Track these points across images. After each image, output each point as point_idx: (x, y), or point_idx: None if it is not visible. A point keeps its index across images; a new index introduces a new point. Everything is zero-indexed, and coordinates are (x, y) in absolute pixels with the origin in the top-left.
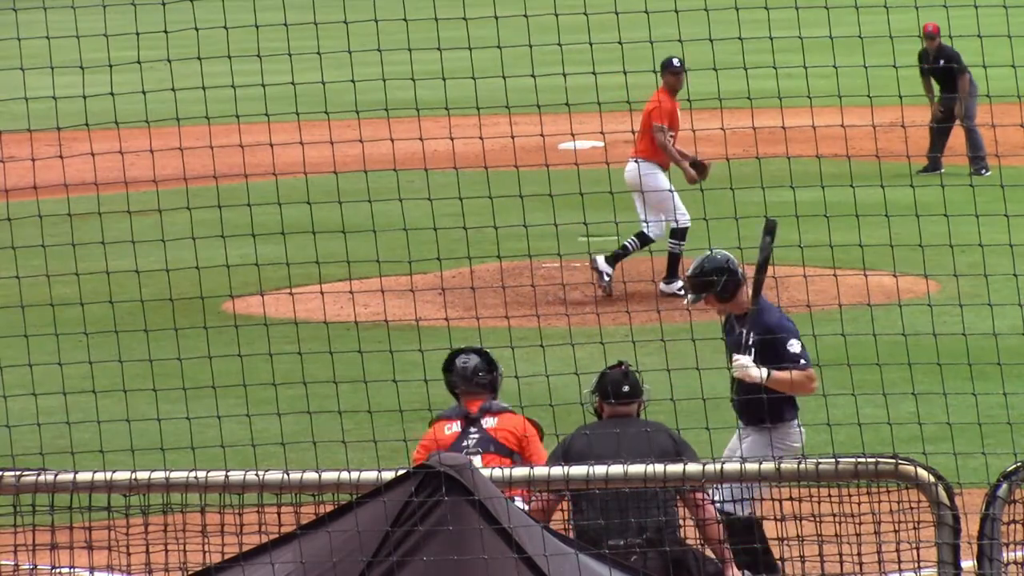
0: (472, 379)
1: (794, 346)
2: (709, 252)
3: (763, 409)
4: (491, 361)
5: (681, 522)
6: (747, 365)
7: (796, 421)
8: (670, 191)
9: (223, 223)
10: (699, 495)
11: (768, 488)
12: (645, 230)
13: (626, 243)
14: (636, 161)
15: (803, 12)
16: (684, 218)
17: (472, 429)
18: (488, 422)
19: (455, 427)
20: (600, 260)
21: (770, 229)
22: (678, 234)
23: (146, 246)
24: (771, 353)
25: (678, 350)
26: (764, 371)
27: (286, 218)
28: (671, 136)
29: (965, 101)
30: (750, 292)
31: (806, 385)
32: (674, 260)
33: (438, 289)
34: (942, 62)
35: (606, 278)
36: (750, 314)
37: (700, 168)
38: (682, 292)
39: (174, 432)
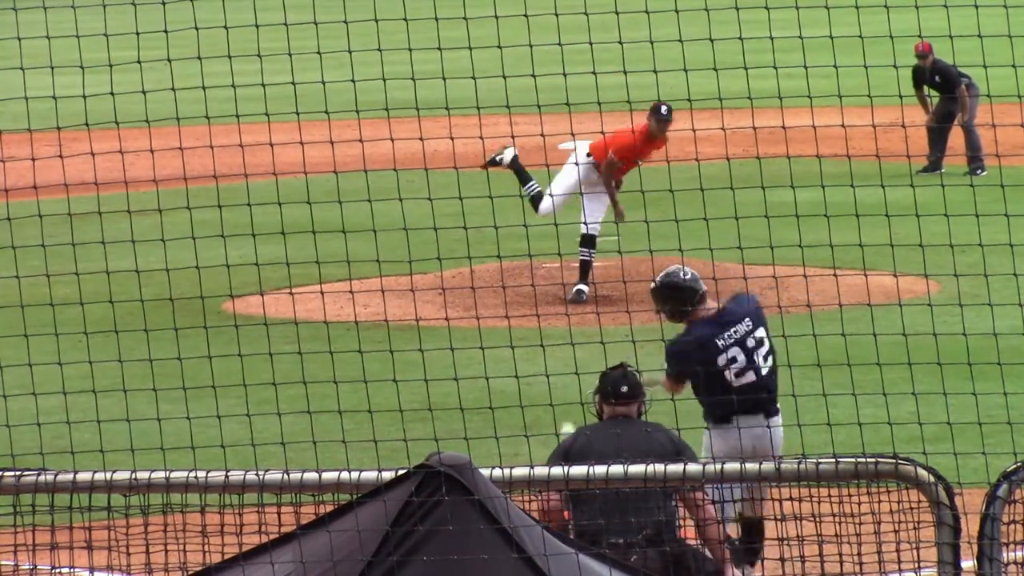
0: None
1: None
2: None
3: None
4: None
5: (680, 522)
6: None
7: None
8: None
9: (223, 223)
10: (698, 495)
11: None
12: (585, 230)
13: (582, 257)
14: (590, 159)
15: (803, 12)
16: (595, 226)
17: None
18: None
19: None
20: (573, 291)
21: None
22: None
23: (146, 246)
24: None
25: None
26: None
27: (286, 218)
28: (619, 167)
29: (967, 106)
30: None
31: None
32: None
33: (438, 289)
34: (937, 78)
35: (584, 296)
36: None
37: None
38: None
39: (174, 432)
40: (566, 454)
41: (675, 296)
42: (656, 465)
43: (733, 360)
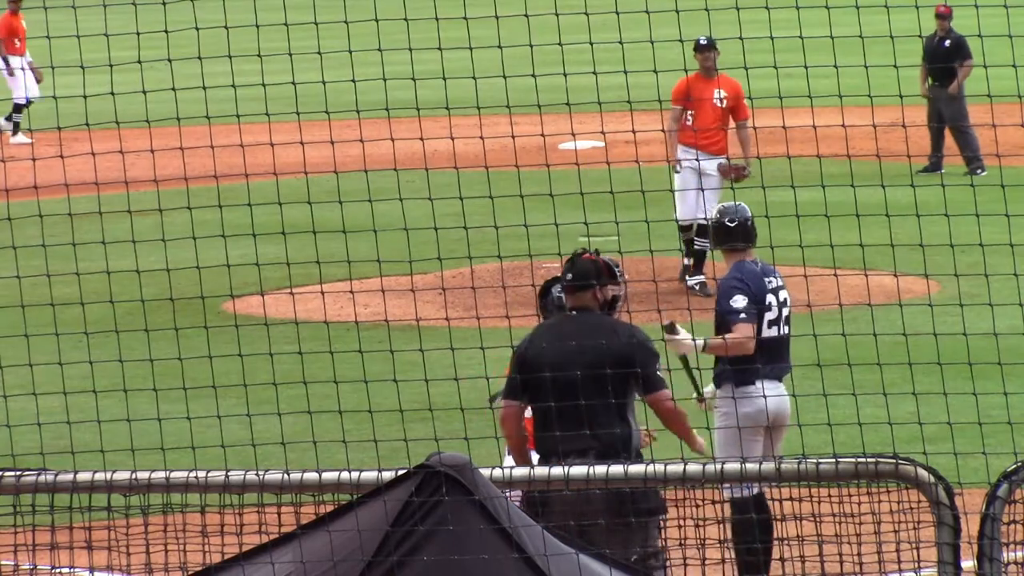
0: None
1: (737, 301)
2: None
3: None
4: None
5: (644, 437)
6: (678, 339)
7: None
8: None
9: (223, 223)
10: (661, 392)
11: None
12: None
13: (696, 246)
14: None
15: (803, 12)
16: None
17: None
18: None
19: None
20: (689, 281)
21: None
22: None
23: (146, 246)
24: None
25: None
26: (700, 341)
27: (286, 218)
28: (689, 115)
29: (964, 76)
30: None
31: (744, 346)
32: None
33: (438, 289)
34: (947, 43)
35: (698, 288)
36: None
37: (737, 170)
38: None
39: (174, 432)
40: (523, 359)
41: (722, 231)
42: (656, 465)
43: (770, 307)
